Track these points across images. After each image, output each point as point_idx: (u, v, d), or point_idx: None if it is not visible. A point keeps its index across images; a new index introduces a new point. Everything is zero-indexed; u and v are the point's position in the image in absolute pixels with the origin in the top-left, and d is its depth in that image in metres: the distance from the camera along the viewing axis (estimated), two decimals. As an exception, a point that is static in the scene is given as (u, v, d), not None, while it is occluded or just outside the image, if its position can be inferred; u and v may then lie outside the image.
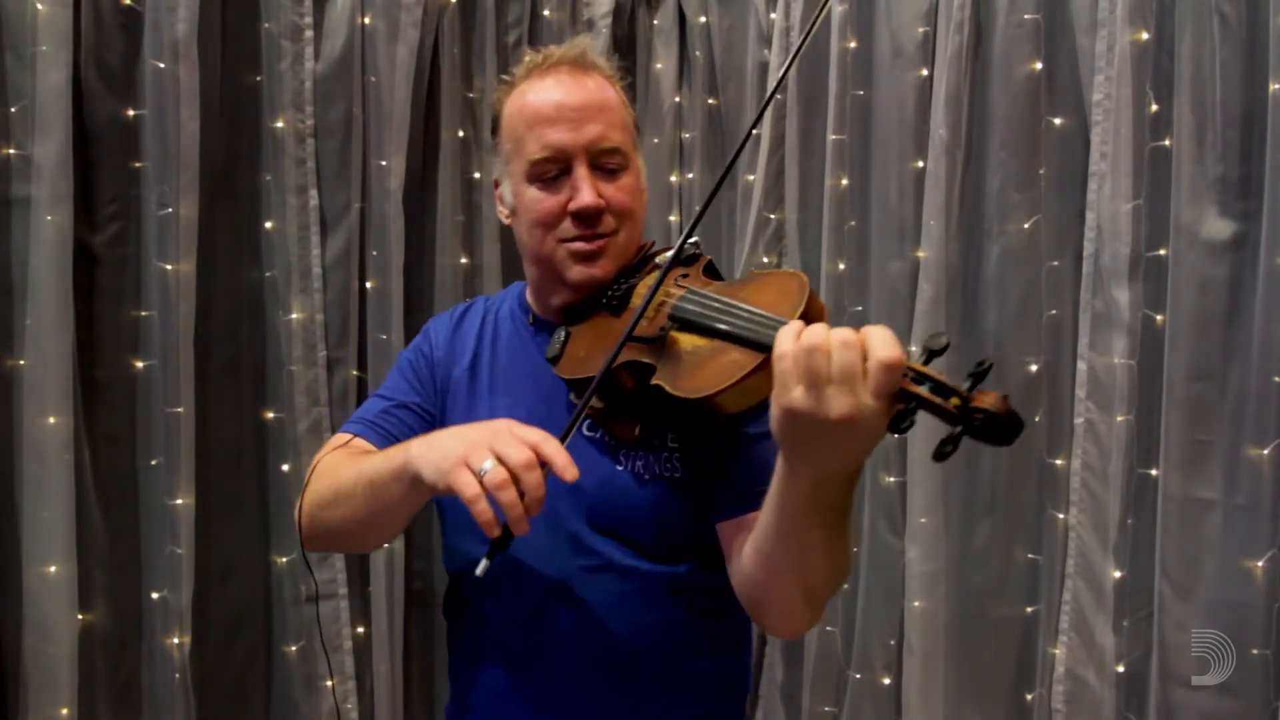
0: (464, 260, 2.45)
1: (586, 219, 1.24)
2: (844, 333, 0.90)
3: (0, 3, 1.87)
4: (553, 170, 1.25)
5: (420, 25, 2.30)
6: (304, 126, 2.21)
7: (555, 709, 1.24)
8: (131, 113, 2.02)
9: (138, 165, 2.02)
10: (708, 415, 1.09)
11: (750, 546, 1.12)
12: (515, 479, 1.01)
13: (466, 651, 1.32)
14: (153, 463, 2.05)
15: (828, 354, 0.89)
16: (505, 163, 1.32)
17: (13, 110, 1.88)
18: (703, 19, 2.56)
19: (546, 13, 2.51)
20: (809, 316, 1.04)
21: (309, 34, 2.19)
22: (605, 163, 1.26)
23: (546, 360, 1.26)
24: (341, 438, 1.35)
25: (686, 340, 1.14)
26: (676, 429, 1.24)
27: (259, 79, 2.18)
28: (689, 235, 1.21)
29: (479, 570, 1.05)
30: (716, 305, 1.13)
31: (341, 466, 1.25)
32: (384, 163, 2.28)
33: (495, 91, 1.36)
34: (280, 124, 2.19)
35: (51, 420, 1.89)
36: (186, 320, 2.04)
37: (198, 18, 2.02)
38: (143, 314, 2.04)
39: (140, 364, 2.04)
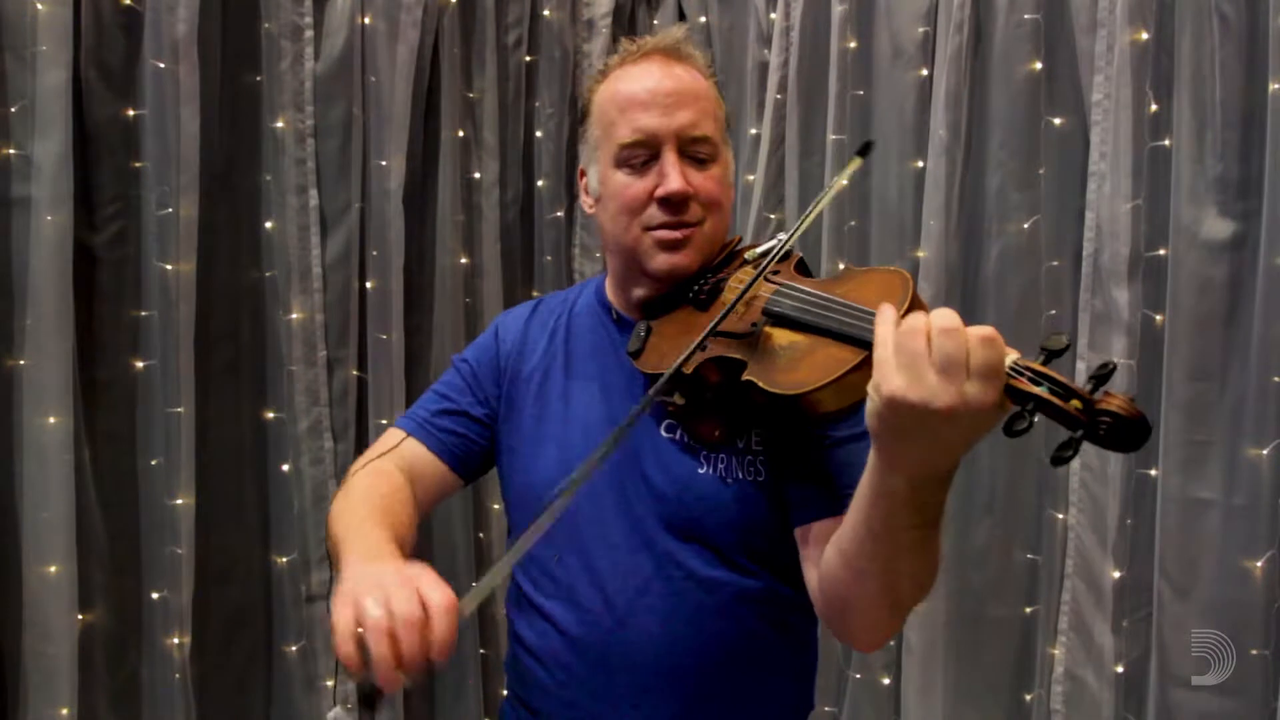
0: (464, 260, 2.45)
1: (673, 205, 1.22)
2: (945, 318, 0.87)
3: (0, 3, 1.87)
4: (642, 155, 1.24)
5: (420, 25, 2.30)
6: (304, 126, 2.21)
7: (624, 714, 1.21)
8: (131, 113, 2.02)
9: (138, 165, 2.02)
10: (802, 413, 1.04)
11: (835, 549, 1.08)
12: (393, 634, 0.91)
13: (531, 650, 1.29)
14: (153, 463, 2.05)
15: (928, 338, 0.86)
16: (593, 149, 1.31)
17: (13, 110, 1.88)
18: (703, 19, 2.56)
19: (546, 13, 2.51)
20: (914, 308, 0.99)
21: (309, 34, 2.19)
22: (695, 151, 1.24)
23: (628, 354, 1.23)
24: (395, 434, 1.35)
25: (781, 335, 1.09)
26: (762, 429, 1.21)
27: (259, 79, 2.18)
28: (793, 235, 1.17)
29: (329, 716, 0.99)
30: (816, 300, 1.09)
31: (347, 507, 1.22)
32: (384, 163, 2.28)
33: (588, 81, 1.36)
34: (280, 124, 2.19)
35: (51, 420, 1.89)
36: (186, 320, 2.04)
37: (198, 18, 2.02)
38: (143, 314, 2.04)
39: (140, 364, 2.04)
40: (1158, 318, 1.91)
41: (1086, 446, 0.88)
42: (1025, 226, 2.07)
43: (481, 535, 2.50)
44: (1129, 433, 0.84)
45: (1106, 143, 1.93)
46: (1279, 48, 1.73)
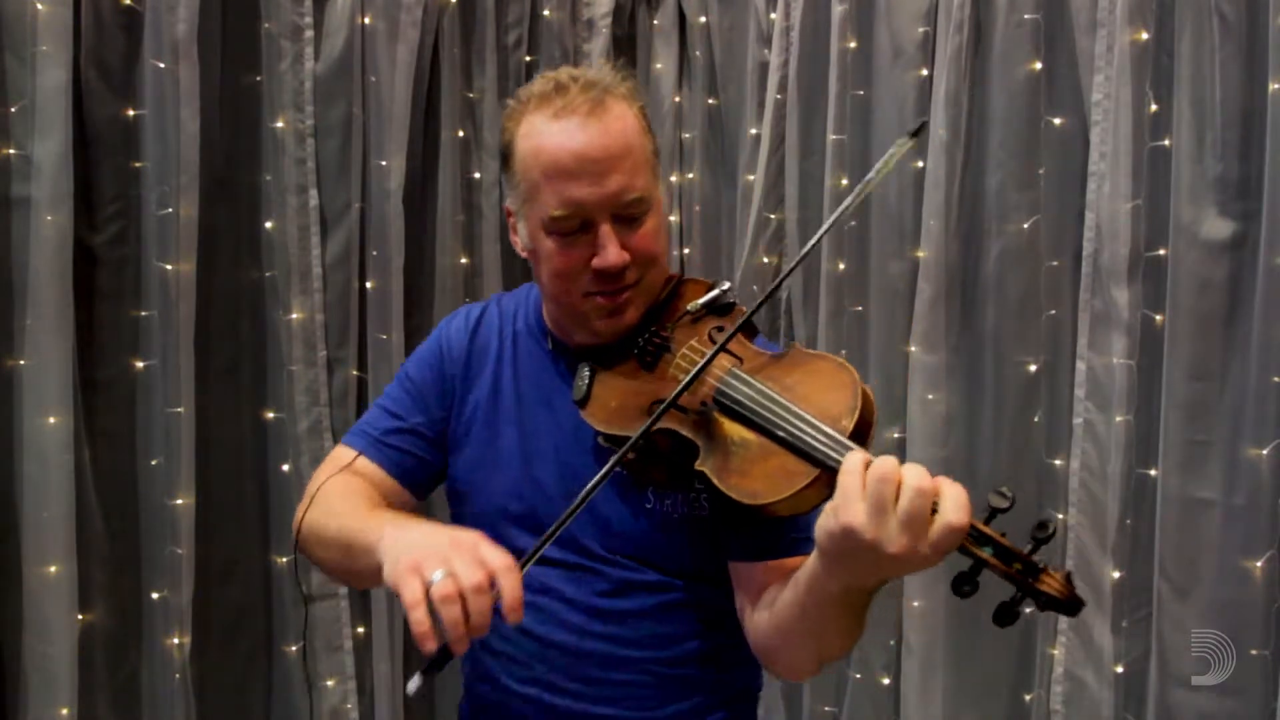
0: (464, 260, 2.45)
1: (611, 277, 1.19)
2: (920, 478, 0.91)
3: (0, 3, 1.87)
4: (573, 225, 1.18)
5: (420, 25, 2.30)
6: (304, 126, 2.21)
7: (581, 708, 1.24)
8: (131, 113, 2.02)
9: (138, 165, 2.02)
10: (754, 512, 1.07)
11: (767, 613, 1.14)
12: (463, 598, 0.95)
13: (483, 648, 1.31)
14: (153, 463, 2.05)
15: (896, 488, 0.91)
16: (520, 202, 1.24)
17: (13, 110, 1.88)
18: (703, 19, 2.56)
19: (546, 13, 2.51)
20: (863, 418, 1.04)
21: (309, 34, 2.19)
22: (629, 213, 1.19)
23: (574, 401, 1.22)
24: (345, 454, 1.33)
25: (732, 428, 1.09)
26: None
27: (259, 79, 2.18)
28: (755, 309, 1.18)
29: (409, 688, 1.01)
30: (767, 401, 1.08)
31: (334, 508, 1.23)
32: (384, 163, 2.28)
33: (504, 113, 1.27)
34: (280, 124, 2.19)
35: (51, 420, 1.89)
36: (186, 320, 2.04)
37: (198, 18, 2.02)
38: (143, 314, 2.04)
39: (140, 364, 2.04)
40: (1158, 318, 1.91)
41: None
42: (1025, 226, 2.07)
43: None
44: (1064, 608, 0.92)
45: (1106, 143, 1.93)
46: (1279, 48, 1.73)
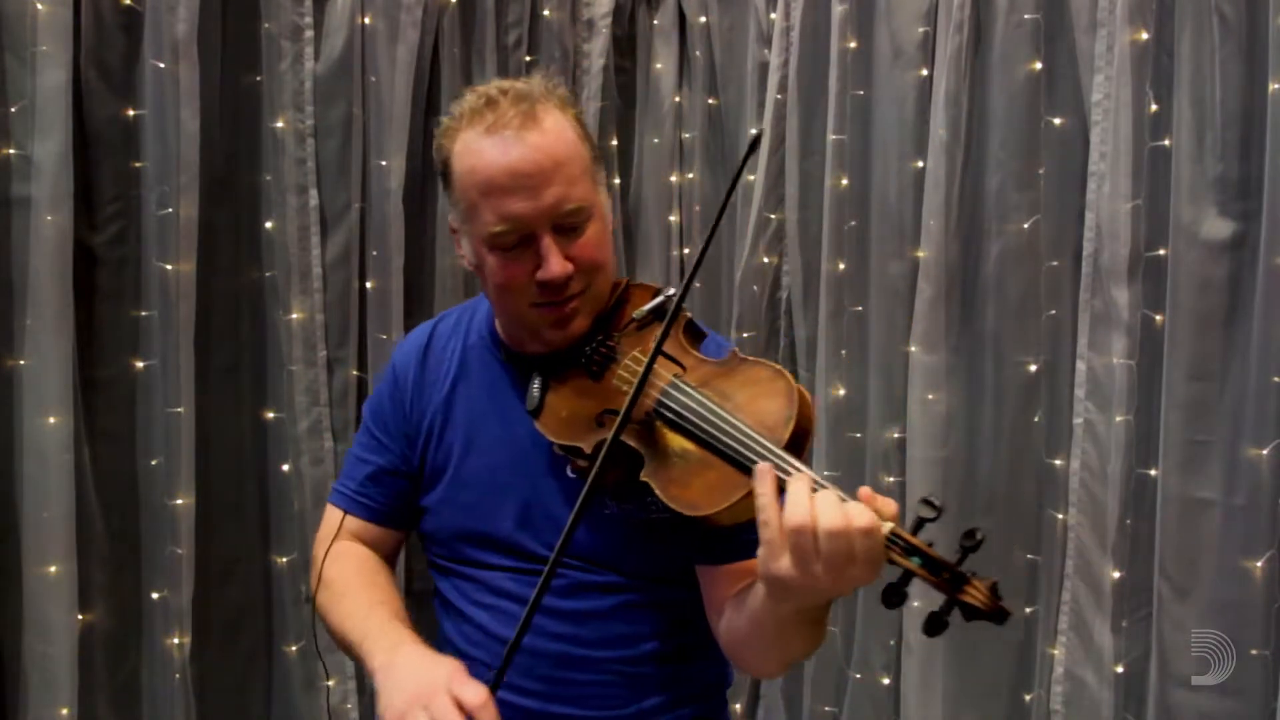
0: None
1: (555, 288, 1.19)
2: (833, 519, 0.92)
3: (0, 3, 1.87)
4: (513, 240, 1.18)
5: (420, 25, 2.29)
6: (304, 126, 2.21)
7: (542, 708, 1.26)
8: (131, 113, 2.02)
9: (138, 165, 2.02)
10: (699, 527, 1.10)
11: (728, 623, 1.17)
12: None
13: (461, 653, 1.33)
14: (153, 463, 2.05)
15: (814, 537, 0.92)
16: (461, 219, 1.24)
17: (13, 110, 1.88)
18: (703, 19, 2.56)
19: (546, 13, 2.51)
20: (800, 427, 1.05)
21: (309, 34, 2.19)
22: (568, 222, 1.19)
23: (527, 411, 1.24)
24: (334, 514, 1.39)
25: (674, 439, 1.11)
26: None
27: (259, 79, 2.18)
28: (681, 298, 1.17)
29: None
30: (706, 413, 1.09)
31: (337, 600, 1.31)
32: (384, 163, 2.28)
33: (438, 131, 1.25)
34: (280, 124, 2.19)
35: (51, 420, 1.89)
36: (186, 320, 2.04)
37: (198, 18, 2.02)
38: (143, 314, 2.04)
39: (140, 364, 2.04)
40: (1158, 318, 1.91)
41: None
42: (1025, 226, 2.07)
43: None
44: (989, 619, 0.91)
45: (1106, 143, 1.93)
46: (1279, 48, 1.73)
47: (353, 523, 1.39)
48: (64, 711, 1.89)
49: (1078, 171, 2.01)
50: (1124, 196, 1.91)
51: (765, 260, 2.42)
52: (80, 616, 1.95)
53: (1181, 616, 1.85)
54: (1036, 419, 2.07)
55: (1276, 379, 1.76)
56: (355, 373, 2.30)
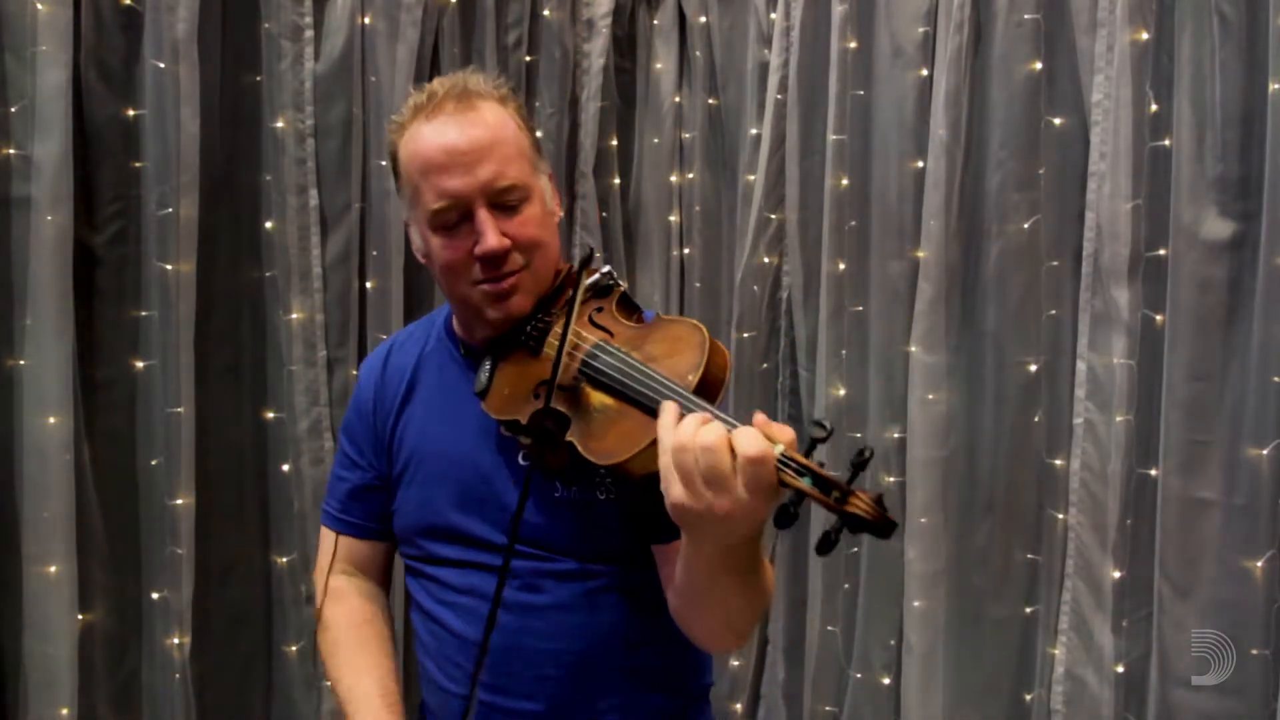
0: (464, 260, 2.45)
1: (493, 262, 1.23)
2: (708, 436, 0.94)
3: (0, 3, 1.87)
4: (453, 217, 1.23)
5: (420, 25, 2.30)
6: (304, 126, 2.21)
7: (515, 705, 1.27)
8: (131, 113, 2.02)
9: (138, 165, 2.02)
10: (620, 475, 1.13)
11: (673, 593, 1.19)
12: None
13: (429, 651, 1.36)
14: (153, 463, 2.05)
15: (694, 454, 0.94)
16: (409, 208, 1.30)
17: (13, 110, 1.88)
18: (703, 19, 2.56)
19: (546, 13, 2.51)
20: (710, 374, 1.09)
21: (309, 34, 2.19)
22: (504, 200, 1.23)
23: (475, 394, 1.26)
24: (328, 537, 1.44)
25: (596, 397, 1.15)
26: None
27: (259, 79, 2.18)
28: (583, 274, 1.20)
29: None
30: (621, 366, 1.13)
31: (335, 647, 1.40)
32: (384, 163, 2.28)
33: (388, 132, 1.32)
34: (280, 124, 2.19)
35: (51, 420, 1.89)
36: (186, 320, 2.04)
37: (198, 18, 2.02)
38: (143, 314, 2.04)
39: (140, 364, 2.04)
40: (1158, 318, 1.91)
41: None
42: (1025, 226, 2.07)
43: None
44: (876, 530, 0.92)
45: (1106, 143, 1.93)
46: (1279, 48, 1.73)
47: (344, 543, 1.43)
48: (64, 711, 1.89)
49: (1078, 171, 2.01)
50: (1124, 196, 1.91)
51: (765, 260, 2.42)
52: (80, 616, 1.95)
53: (1182, 616, 1.85)
54: (1036, 419, 2.07)
55: (1276, 379, 1.76)
56: (355, 373, 2.29)
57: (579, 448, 1.13)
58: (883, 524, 0.92)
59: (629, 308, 1.28)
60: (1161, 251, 1.90)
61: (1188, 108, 1.83)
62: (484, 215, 1.22)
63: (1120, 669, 1.96)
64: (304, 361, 2.22)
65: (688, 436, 0.95)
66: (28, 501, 1.90)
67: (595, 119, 2.54)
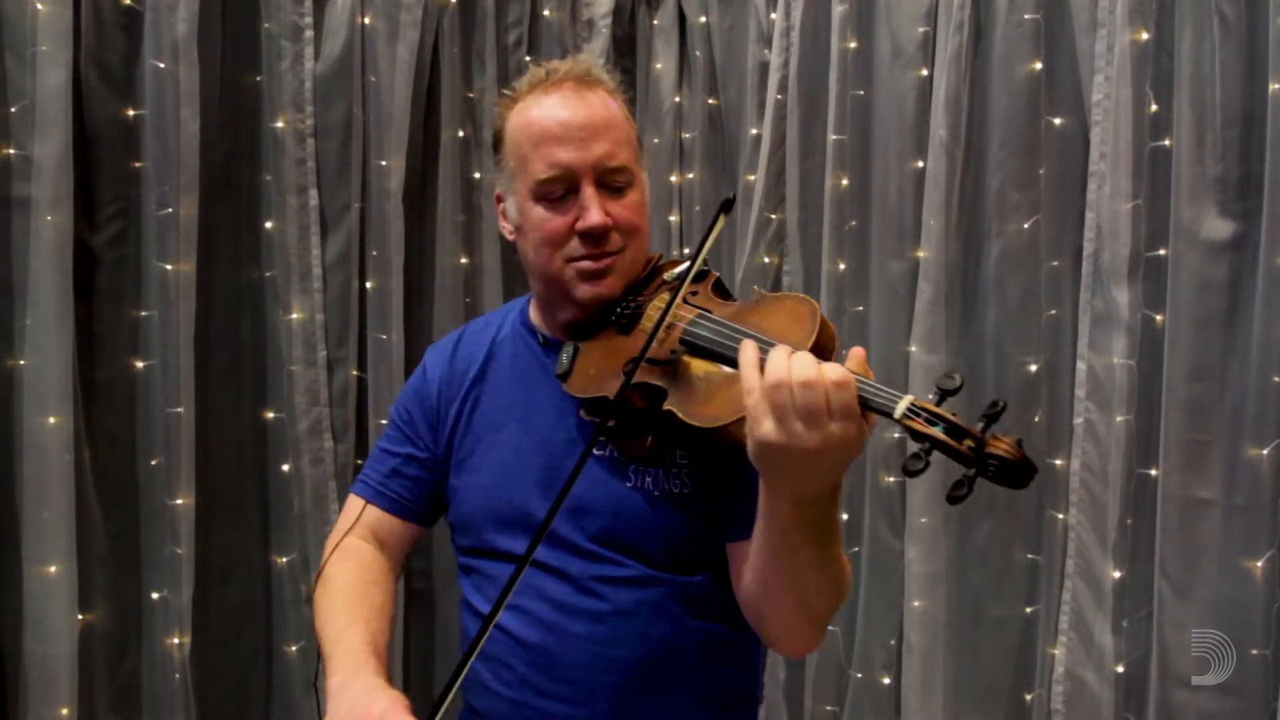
0: (464, 260, 2.45)
1: (594, 238, 1.24)
2: (806, 371, 0.94)
3: (0, 3, 1.87)
4: (559, 189, 1.25)
5: (420, 25, 2.29)
6: (304, 126, 2.21)
7: (568, 712, 1.24)
8: (131, 113, 2.02)
9: (138, 165, 2.02)
10: (720, 443, 1.10)
11: (749, 568, 1.16)
12: None
13: (480, 653, 1.31)
14: (153, 463, 2.05)
15: (790, 390, 0.94)
16: (509, 179, 1.30)
17: (13, 110, 1.88)
18: (703, 19, 2.56)
19: (546, 13, 2.51)
20: (820, 343, 1.07)
21: (309, 34, 2.19)
22: (612, 180, 1.25)
23: (556, 376, 1.26)
24: (356, 504, 1.40)
25: (698, 366, 1.14)
26: (687, 449, 1.24)
27: (259, 79, 2.18)
28: (699, 254, 1.20)
29: None
30: (727, 331, 1.12)
31: (332, 600, 1.31)
32: (384, 163, 2.28)
33: (497, 105, 1.34)
34: (280, 124, 2.19)
35: (51, 420, 1.89)
36: (186, 320, 2.04)
37: (198, 18, 2.02)
38: (143, 314, 2.04)
39: (140, 364, 2.04)
40: (1158, 318, 1.91)
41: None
42: (1025, 226, 2.07)
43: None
44: (1016, 474, 0.91)
45: (1106, 143, 1.93)
46: (1279, 48, 1.73)
47: (372, 513, 1.40)
48: (64, 711, 1.89)
49: (1078, 171, 2.01)
50: (1124, 196, 1.91)
51: (765, 260, 2.42)
52: (80, 616, 1.95)
53: (1182, 616, 1.85)
54: (1036, 419, 2.07)
55: (1276, 379, 1.76)
56: (355, 373, 2.30)
57: (679, 414, 1.11)
58: (1023, 467, 0.90)
59: (724, 294, 1.28)
60: (1161, 251, 1.90)
61: (1188, 108, 1.83)
62: (590, 191, 1.24)
63: (1120, 669, 1.96)
64: (304, 361, 2.22)
65: (782, 372, 0.95)
66: (28, 501, 1.90)
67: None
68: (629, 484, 1.24)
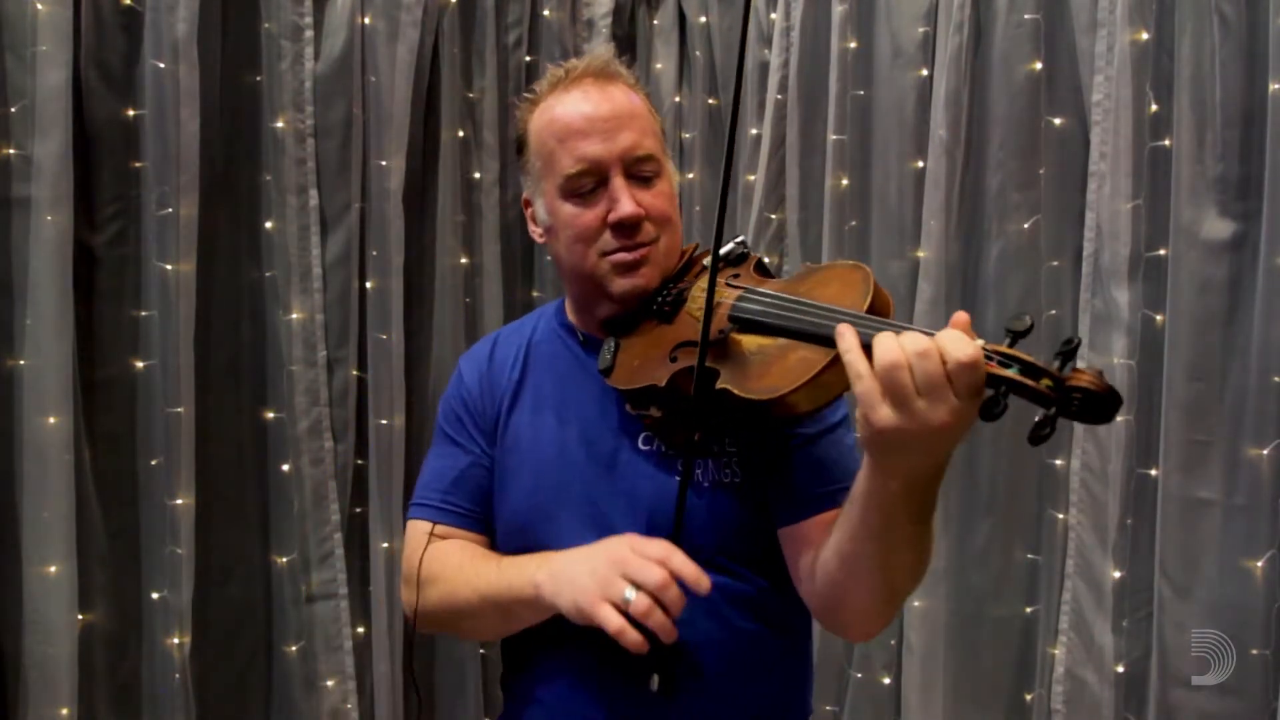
0: (464, 260, 2.45)
1: (627, 229, 1.23)
2: (917, 342, 0.90)
3: (0, 3, 1.87)
4: (589, 184, 1.24)
5: (420, 25, 2.29)
6: (304, 126, 2.21)
7: (610, 708, 1.22)
8: (131, 113, 2.02)
9: (138, 165, 2.02)
10: (779, 415, 1.07)
11: (832, 549, 1.11)
12: (659, 602, 1.05)
13: (526, 658, 1.30)
14: (153, 463, 2.05)
15: (908, 368, 0.89)
16: (537, 181, 1.30)
17: (13, 110, 1.88)
18: (703, 19, 2.56)
19: (546, 13, 2.51)
20: (875, 307, 1.04)
21: (309, 34, 2.19)
22: (640, 170, 1.25)
23: (599, 372, 1.24)
24: (422, 527, 1.35)
25: (750, 341, 1.11)
26: (737, 433, 1.22)
27: (259, 79, 2.18)
28: (717, 237, 1.17)
29: (654, 685, 1.09)
30: (779, 302, 1.10)
31: (454, 579, 1.27)
32: (384, 163, 2.28)
33: (518, 110, 1.34)
34: (280, 124, 2.19)
35: (51, 420, 1.89)
36: (186, 320, 2.04)
37: (198, 18, 2.02)
38: (143, 314, 2.04)
39: (140, 364, 2.04)
40: (1158, 318, 1.91)
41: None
42: (1025, 226, 2.07)
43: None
44: (1100, 406, 0.87)
45: (1106, 143, 1.93)
46: (1279, 48, 1.73)
47: (443, 531, 1.36)
48: (64, 711, 1.89)
49: (1078, 171, 2.01)
50: (1124, 196, 1.91)
51: (765, 260, 2.41)
52: (80, 616, 1.95)
53: (1182, 616, 1.85)
54: (1036, 418, 2.07)
55: (1276, 379, 1.76)
56: (355, 373, 2.30)
57: (734, 390, 1.07)
58: (1110, 398, 0.87)
59: (766, 273, 1.26)
60: (1161, 251, 1.90)
61: (1188, 108, 1.83)
62: (619, 182, 1.23)
63: (1120, 669, 1.96)
64: (304, 361, 2.22)
65: (898, 352, 0.90)
66: (28, 501, 1.90)
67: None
68: (678, 476, 1.20)
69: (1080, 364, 0.90)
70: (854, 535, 1.06)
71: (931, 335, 0.91)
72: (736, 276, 1.23)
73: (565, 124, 1.24)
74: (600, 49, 1.32)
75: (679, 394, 1.14)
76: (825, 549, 1.12)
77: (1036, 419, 0.87)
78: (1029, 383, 0.89)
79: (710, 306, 1.11)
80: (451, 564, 1.30)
